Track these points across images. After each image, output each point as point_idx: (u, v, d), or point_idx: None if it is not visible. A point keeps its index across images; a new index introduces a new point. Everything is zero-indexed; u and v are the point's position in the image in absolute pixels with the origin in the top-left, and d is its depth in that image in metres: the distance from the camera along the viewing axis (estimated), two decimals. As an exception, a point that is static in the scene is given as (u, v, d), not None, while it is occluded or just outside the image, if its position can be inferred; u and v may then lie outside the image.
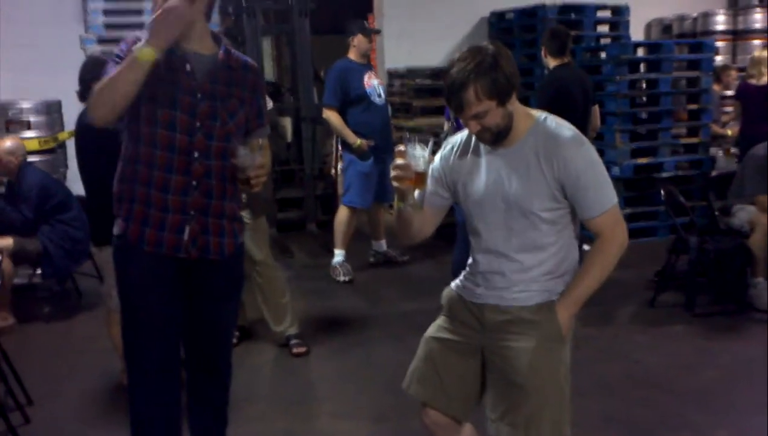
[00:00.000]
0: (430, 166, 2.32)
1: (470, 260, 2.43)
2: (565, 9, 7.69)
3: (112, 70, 2.44)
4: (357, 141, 5.66)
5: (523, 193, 2.23)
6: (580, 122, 4.79)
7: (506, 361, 2.29)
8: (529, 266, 2.28)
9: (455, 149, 2.39)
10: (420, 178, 2.24)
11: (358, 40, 5.79)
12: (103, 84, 2.42)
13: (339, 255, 5.95)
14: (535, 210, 2.23)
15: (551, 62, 4.98)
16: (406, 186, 2.25)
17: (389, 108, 6.49)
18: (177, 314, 2.64)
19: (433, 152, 2.32)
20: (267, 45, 11.16)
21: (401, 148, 2.21)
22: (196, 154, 2.50)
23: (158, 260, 2.54)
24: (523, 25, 7.99)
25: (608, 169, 2.36)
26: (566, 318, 2.28)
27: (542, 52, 5.05)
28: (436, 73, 7.91)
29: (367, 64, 5.95)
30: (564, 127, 2.26)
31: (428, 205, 2.42)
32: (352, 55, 5.82)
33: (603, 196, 2.23)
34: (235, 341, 4.47)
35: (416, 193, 2.33)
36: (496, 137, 2.23)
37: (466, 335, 2.39)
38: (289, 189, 7.77)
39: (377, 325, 4.91)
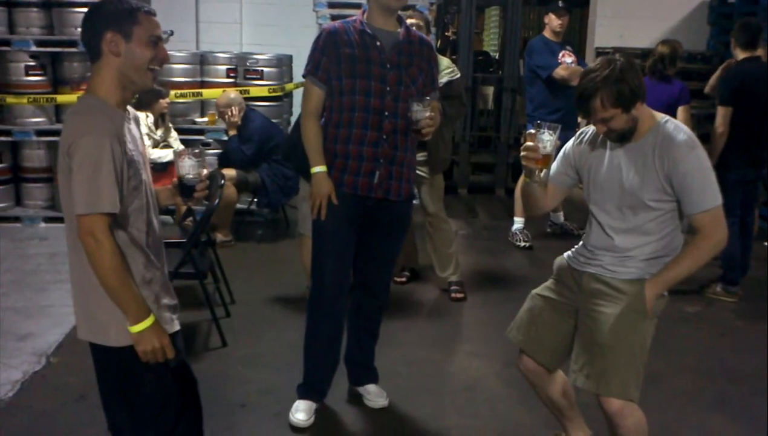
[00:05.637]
0: (562, 150, 2.69)
1: (584, 234, 2.76)
2: (792, -2, 7.34)
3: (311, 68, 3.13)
4: None
5: (637, 184, 2.53)
6: (759, 118, 4.79)
7: (593, 321, 2.61)
8: (631, 247, 2.57)
9: (587, 138, 2.72)
10: (546, 159, 2.58)
11: (548, 19, 6.02)
12: (305, 132, 3.19)
13: (518, 222, 6.32)
14: (646, 200, 2.53)
15: (739, 54, 4.88)
16: (533, 165, 2.61)
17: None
18: (354, 244, 3.27)
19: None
20: (496, 16, 11.58)
21: (531, 131, 2.57)
22: (386, 114, 3.09)
23: (349, 198, 3.16)
24: (744, 12, 7.73)
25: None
26: (651, 296, 2.55)
27: (731, 44, 4.98)
28: (645, 54, 7.88)
29: (562, 42, 6.09)
30: (681, 132, 2.52)
31: (556, 183, 2.77)
32: (547, 33, 6.05)
33: (706, 197, 2.48)
34: (404, 279, 5.15)
35: (543, 172, 2.66)
36: (621, 137, 2.55)
37: (566, 297, 2.75)
38: (484, 154, 8.24)
39: (535, 285, 5.27)
